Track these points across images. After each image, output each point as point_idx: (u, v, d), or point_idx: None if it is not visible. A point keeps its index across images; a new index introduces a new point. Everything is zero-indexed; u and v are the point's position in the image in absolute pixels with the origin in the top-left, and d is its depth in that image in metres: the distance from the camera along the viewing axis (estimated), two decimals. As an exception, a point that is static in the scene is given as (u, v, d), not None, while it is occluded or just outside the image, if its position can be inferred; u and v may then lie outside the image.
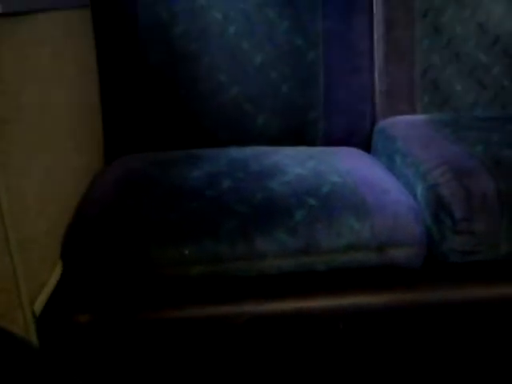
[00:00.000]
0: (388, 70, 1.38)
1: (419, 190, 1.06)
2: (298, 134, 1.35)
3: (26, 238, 0.82)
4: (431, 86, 1.38)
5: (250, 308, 0.94)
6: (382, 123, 1.35)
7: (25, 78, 0.85)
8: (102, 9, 1.30)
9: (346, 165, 1.14)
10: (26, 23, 0.86)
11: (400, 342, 0.99)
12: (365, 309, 0.97)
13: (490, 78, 1.39)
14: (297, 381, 0.98)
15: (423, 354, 1.00)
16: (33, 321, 0.81)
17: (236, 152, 1.20)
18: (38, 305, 0.84)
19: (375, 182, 1.07)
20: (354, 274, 0.97)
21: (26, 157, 0.84)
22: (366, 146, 1.36)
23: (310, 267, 0.96)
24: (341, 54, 1.35)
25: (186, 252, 0.92)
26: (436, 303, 0.99)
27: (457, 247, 0.97)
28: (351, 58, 1.36)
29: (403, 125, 1.29)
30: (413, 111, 1.37)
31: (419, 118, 1.33)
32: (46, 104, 0.93)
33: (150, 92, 1.32)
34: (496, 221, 0.96)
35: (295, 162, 1.13)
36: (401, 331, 0.98)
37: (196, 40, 1.31)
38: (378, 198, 1.00)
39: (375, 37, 1.37)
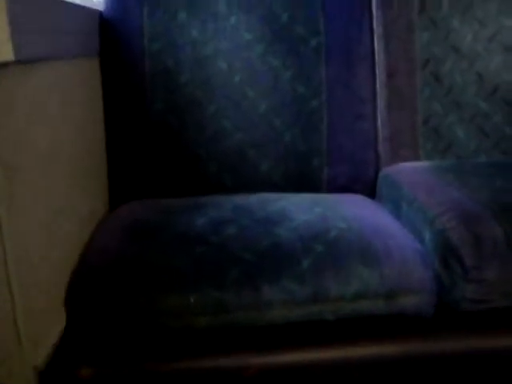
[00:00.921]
0: (390, 118, 1.39)
1: (427, 235, 1.05)
2: (302, 181, 1.36)
3: (29, 284, 0.80)
4: (433, 133, 1.40)
5: (258, 359, 0.91)
6: (387, 170, 1.35)
7: (34, 125, 0.86)
8: (110, 57, 1.32)
9: (352, 211, 1.13)
10: (37, 70, 0.88)
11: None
12: (376, 359, 0.94)
13: (490, 126, 1.41)
14: None
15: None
16: (35, 375, 0.78)
17: (240, 199, 1.20)
18: (41, 358, 0.82)
19: (382, 227, 1.06)
20: (363, 322, 0.95)
21: (32, 202, 0.83)
22: (371, 192, 1.36)
23: (319, 316, 0.93)
24: (344, 101, 1.37)
25: (192, 300, 0.90)
26: (449, 352, 0.96)
27: (468, 295, 0.95)
28: (354, 105, 1.38)
29: (408, 171, 1.29)
30: (416, 158, 1.38)
31: (423, 164, 1.34)
32: (53, 150, 0.93)
33: (155, 138, 1.33)
34: (507, 268, 0.94)
35: (301, 209, 1.12)
36: (414, 381, 0.95)
37: (201, 88, 1.33)
38: (385, 244, 0.99)
39: (377, 85, 1.40)
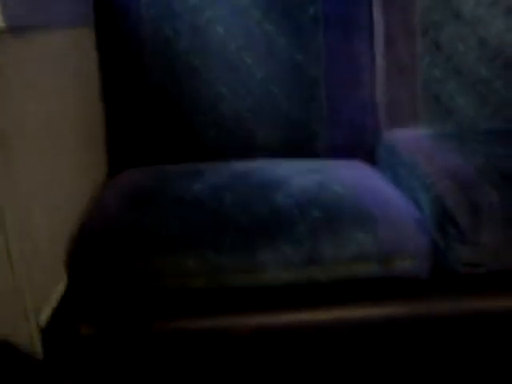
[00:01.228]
0: (390, 85, 1.38)
1: (424, 201, 1.05)
2: (300, 148, 1.35)
3: (30, 250, 0.82)
4: (433, 101, 1.39)
5: (253, 320, 0.93)
6: (386, 136, 1.35)
7: (27, 93, 0.86)
8: (106, 26, 1.31)
9: (350, 177, 1.13)
10: (30, 39, 0.87)
11: (406, 353, 0.97)
12: (369, 321, 0.96)
13: (491, 92, 1.40)
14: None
15: (429, 365, 0.98)
16: (38, 332, 0.80)
17: (238, 165, 1.20)
18: (44, 316, 0.84)
19: (379, 193, 1.07)
20: (358, 285, 0.96)
21: (30, 169, 0.84)
22: (369, 159, 1.36)
23: (314, 279, 0.95)
24: (343, 69, 1.36)
25: (189, 264, 0.91)
26: (442, 314, 0.97)
27: (463, 259, 0.96)
28: (353, 73, 1.36)
29: (407, 138, 1.29)
30: (416, 124, 1.38)
31: (422, 130, 1.33)
32: (49, 118, 0.93)
33: (153, 106, 1.32)
34: (501, 232, 0.95)
35: (298, 174, 1.13)
36: (406, 343, 0.97)
37: (198, 54, 1.32)
38: (382, 209, 1.00)
39: (376, 52, 1.38)
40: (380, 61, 1.38)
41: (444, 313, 0.97)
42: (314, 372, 0.96)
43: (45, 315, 0.83)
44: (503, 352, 0.99)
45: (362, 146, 1.37)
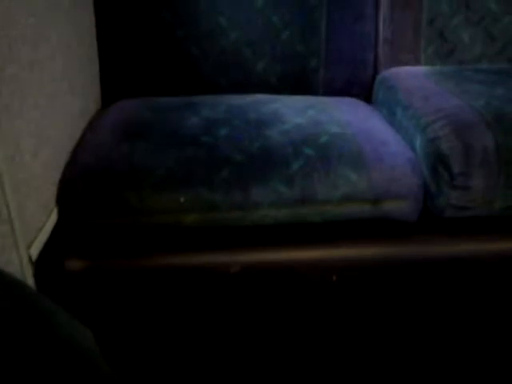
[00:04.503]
0: (393, 18, 1.33)
1: (418, 142, 1.04)
2: (298, 83, 1.33)
3: (21, 182, 0.82)
4: (437, 36, 1.34)
5: (244, 257, 0.95)
6: (385, 73, 1.32)
7: (16, 16, 0.82)
8: None
9: (346, 115, 1.12)
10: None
11: (392, 294, 1.00)
12: (359, 261, 0.98)
13: (499, 29, 1.35)
14: (287, 331, 1.00)
15: (415, 306, 1.02)
16: (29, 264, 0.82)
17: (235, 99, 1.18)
18: (35, 249, 0.85)
19: (374, 133, 1.06)
20: (348, 225, 0.97)
21: (19, 98, 0.82)
22: (368, 96, 1.33)
23: (306, 218, 0.96)
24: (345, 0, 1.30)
25: (182, 200, 0.92)
26: (430, 257, 1.00)
27: (453, 202, 0.97)
28: (356, 3, 1.31)
29: (406, 76, 1.26)
30: (416, 62, 1.34)
31: (422, 69, 1.30)
32: (39, 44, 0.90)
33: (148, 35, 1.28)
34: (493, 177, 0.95)
35: (294, 111, 1.11)
36: (394, 283, 1.00)
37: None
38: (376, 150, 1.00)
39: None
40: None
41: (431, 255, 1.00)
42: (301, 310, 1.00)
43: (36, 248, 0.85)
44: (487, 295, 1.02)
45: (360, 83, 1.34)
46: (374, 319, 1.01)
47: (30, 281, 0.82)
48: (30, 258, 0.82)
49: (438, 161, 0.98)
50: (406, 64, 1.33)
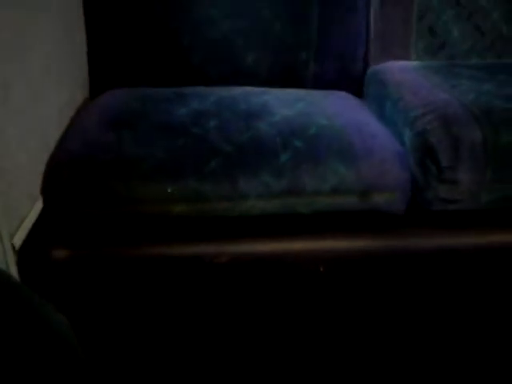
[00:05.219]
0: (384, 12, 1.33)
1: (407, 136, 1.05)
2: (288, 76, 1.32)
3: (6, 171, 0.81)
4: (427, 31, 1.35)
5: (231, 248, 0.94)
6: (375, 68, 1.32)
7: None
8: None
9: (335, 108, 1.12)
10: None
11: (380, 285, 1.01)
12: (346, 252, 0.99)
13: (488, 24, 1.36)
14: (275, 321, 1.01)
15: (402, 297, 1.02)
16: (12, 252, 0.81)
17: (224, 91, 1.18)
18: (18, 237, 0.84)
19: (363, 126, 1.06)
20: (336, 217, 0.97)
21: (4, 87, 0.81)
22: (358, 90, 1.33)
23: (293, 209, 0.96)
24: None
25: (169, 190, 0.91)
26: (417, 249, 1.00)
27: (440, 195, 0.98)
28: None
29: (396, 70, 1.26)
30: (407, 57, 1.34)
31: (412, 64, 1.30)
32: (24, 32, 0.89)
33: (137, 25, 1.27)
34: (480, 171, 0.96)
35: (284, 104, 1.11)
36: (381, 275, 1.00)
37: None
38: (364, 143, 1.00)
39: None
40: (376, -14, 1.32)
41: (418, 247, 1.00)
42: (289, 299, 1.00)
43: (19, 237, 0.84)
44: (475, 287, 1.03)
45: (350, 77, 1.34)
46: (361, 310, 1.02)
47: (13, 269, 0.81)
48: (13, 246, 0.81)
49: (426, 154, 0.99)
50: (397, 58, 1.33)
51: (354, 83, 1.34)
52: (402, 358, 1.04)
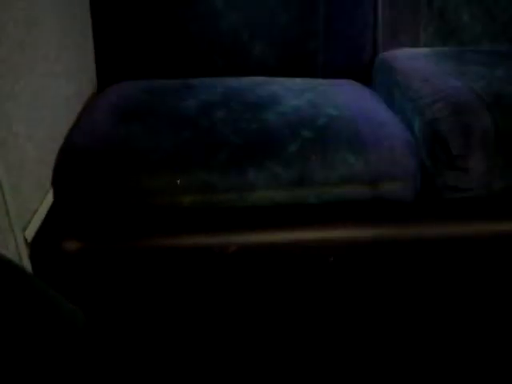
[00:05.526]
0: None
1: (417, 124, 1.04)
2: (297, 65, 1.31)
3: (15, 164, 0.82)
4: (437, 16, 1.33)
5: (240, 239, 0.94)
6: (383, 55, 1.30)
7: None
8: None
9: (344, 98, 1.11)
10: None
11: (390, 275, 1.01)
12: (355, 242, 0.98)
13: (499, 8, 1.34)
14: (283, 312, 1.01)
15: (412, 287, 1.02)
16: (25, 246, 0.82)
17: (232, 82, 1.17)
18: (30, 230, 0.85)
19: (372, 115, 1.05)
20: (345, 207, 0.97)
21: (10, 80, 0.81)
22: (367, 78, 1.32)
23: (303, 199, 0.96)
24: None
25: (178, 181, 0.92)
26: (427, 238, 0.99)
27: (450, 183, 0.97)
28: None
29: (405, 57, 1.25)
30: (416, 43, 1.33)
31: (422, 50, 1.29)
32: (32, 23, 0.89)
33: (144, 17, 1.27)
34: (491, 159, 0.95)
35: (292, 94, 1.10)
36: (391, 265, 1.00)
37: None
38: (374, 132, 0.99)
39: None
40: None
41: (429, 236, 0.99)
42: (298, 290, 1.00)
43: (32, 231, 0.84)
44: (485, 276, 1.02)
45: (359, 65, 1.33)
46: (370, 300, 1.01)
47: (26, 262, 0.82)
48: (25, 239, 0.82)
49: (436, 143, 0.98)
50: (406, 45, 1.32)
51: (363, 71, 1.33)
52: (414, 347, 1.04)
